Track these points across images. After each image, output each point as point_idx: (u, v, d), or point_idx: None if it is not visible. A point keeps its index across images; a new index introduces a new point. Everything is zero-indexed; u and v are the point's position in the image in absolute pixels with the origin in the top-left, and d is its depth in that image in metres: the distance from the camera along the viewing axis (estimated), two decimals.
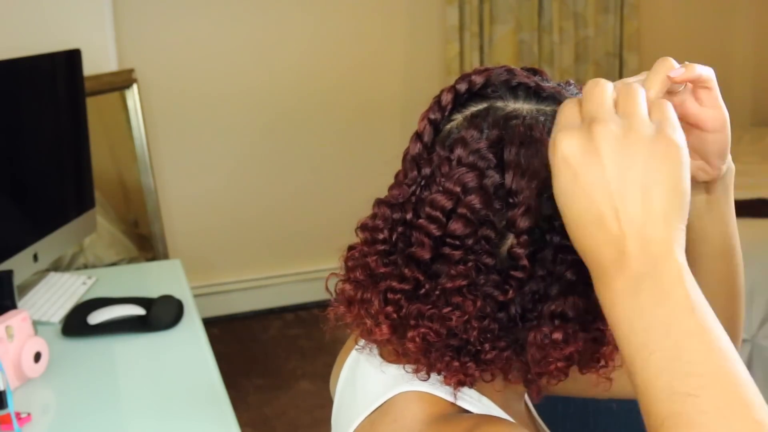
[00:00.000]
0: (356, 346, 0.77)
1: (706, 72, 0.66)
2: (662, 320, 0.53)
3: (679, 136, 0.55)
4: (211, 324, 2.76)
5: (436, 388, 0.70)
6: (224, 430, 1.35)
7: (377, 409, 0.72)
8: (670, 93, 0.67)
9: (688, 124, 0.68)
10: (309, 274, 3.31)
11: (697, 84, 0.67)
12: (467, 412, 0.71)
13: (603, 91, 0.58)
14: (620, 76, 3.61)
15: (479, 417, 0.69)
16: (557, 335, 0.64)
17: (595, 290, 0.58)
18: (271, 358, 3.07)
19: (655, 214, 0.54)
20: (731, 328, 0.85)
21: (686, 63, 0.67)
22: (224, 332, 3.23)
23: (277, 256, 3.42)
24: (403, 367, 0.71)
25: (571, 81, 0.72)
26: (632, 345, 0.54)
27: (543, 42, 3.48)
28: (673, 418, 0.50)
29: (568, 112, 0.59)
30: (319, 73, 3.30)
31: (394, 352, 0.72)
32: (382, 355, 0.74)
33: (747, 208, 2.48)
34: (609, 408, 1.18)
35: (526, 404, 0.87)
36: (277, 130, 3.31)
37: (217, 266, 3.36)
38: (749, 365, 2.35)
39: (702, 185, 0.76)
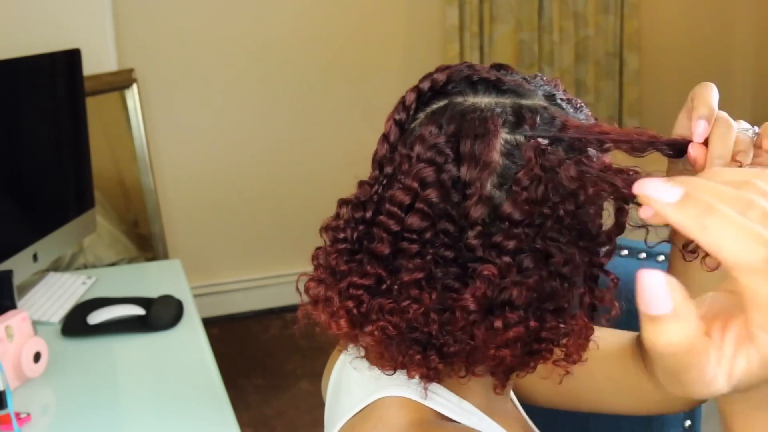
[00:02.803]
0: (344, 350, 0.76)
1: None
2: None
3: None
4: (211, 324, 2.77)
5: (417, 393, 0.70)
6: (224, 430, 1.35)
7: (359, 412, 0.72)
8: None
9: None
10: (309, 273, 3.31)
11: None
12: (449, 419, 0.70)
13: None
14: (620, 76, 3.61)
15: (461, 429, 0.69)
16: (498, 323, 0.64)
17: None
18: (271, 358, 3.07)
19: None
20: None
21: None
22: (224, 332, 3.23)
23: (278, 256, 3.42)
24: (381, 370, 0.71)
25: (539, 74, 0.72)
26: None
27: (543, 42, 3.48)
28: None
29: None
30: (320, 74, 3.30)
31: (378, 356, 0.71)
32: (368, 359, 0.74)
33: None
34: None
35: (513, 403, 0.87)
36: (277, 131, 3.31)
37: (217, 266, 3.36)
38: None
39: None
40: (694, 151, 0.67)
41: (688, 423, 1.17)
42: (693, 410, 1.17)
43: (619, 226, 0.72)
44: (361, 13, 3.32)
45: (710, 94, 0.64)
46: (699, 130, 0.62)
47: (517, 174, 0.64)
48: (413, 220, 0.65)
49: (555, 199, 0.64)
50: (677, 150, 0.68)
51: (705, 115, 0.62)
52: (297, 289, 0.73)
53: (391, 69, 3.41)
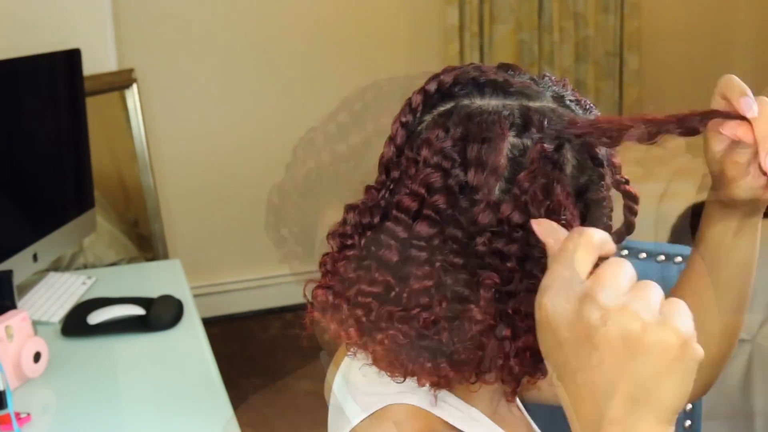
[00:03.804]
0: (348, 353, 0.76)
1: None
2: None
3: (699, 348, 0.53)
4: (211, 324, 2.76)
5: (426, 401, 0.69)
6: (224, 430, 1.35)
7: (366, 419, 0.71)
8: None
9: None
10: (309, 274, 3.30)
11: None
12: (457, 428, 0.70)
13: (624, 274, 0.54)
14: (620, 76, 3.61)
15: None
16: (507, 332, 0.63)
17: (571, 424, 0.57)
18: (271, 358, 3.07)
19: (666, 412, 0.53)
20: (732, 336, 0.86)
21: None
22: (224, 332, 3.23)
23: (277, 256, 3.41)
24: (391, 377, 0.70)
25: (546, 74, 0.71)
26: None
27: (543, 42, 3.48)
28: None
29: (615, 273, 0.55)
30: (321, 74, 3.30)
31: (388, 364, 0.70)
32: (377, 366, 0.72)
33: None
34: None
35: (519, 408, 0.87)
36: (277, 132, 3.31)
37: (217, 266, 3.35)
38: (749, 365, 2.35)
39: (739, 209, 0.76)
40: (742, 128, 0.66)
41: (688, 423, 1.17)
42: (693, 410, 1.17)
43: (629, 226, 0.71)
44: (360, 13, 3.32)
45: (739, 81, 0.65)
46: (752, 108, 0.63)
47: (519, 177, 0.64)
48: (421, 227, 0.64)
49: (558, 201, 0.63)
50: (687, 129, 0.65)
51: (747, 93, 0.64)
52: (305, 295, 0.73)
53: (391, 69, 3.40)
